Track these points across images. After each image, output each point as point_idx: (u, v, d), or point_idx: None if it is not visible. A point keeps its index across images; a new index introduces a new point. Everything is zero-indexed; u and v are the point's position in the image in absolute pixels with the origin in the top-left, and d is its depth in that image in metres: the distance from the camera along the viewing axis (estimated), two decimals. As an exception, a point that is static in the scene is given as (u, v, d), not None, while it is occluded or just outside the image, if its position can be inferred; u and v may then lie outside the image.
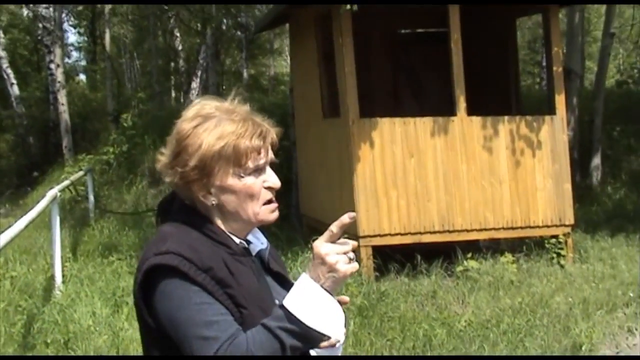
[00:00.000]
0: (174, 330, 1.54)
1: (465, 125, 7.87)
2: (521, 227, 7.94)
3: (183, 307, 1.52)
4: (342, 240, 1.55)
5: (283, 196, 10.88)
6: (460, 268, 7.51)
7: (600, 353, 5.58)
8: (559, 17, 8.77)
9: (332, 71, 8.18)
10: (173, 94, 21.52)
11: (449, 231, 7.76)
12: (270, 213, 1.68)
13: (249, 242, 1.72)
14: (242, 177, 1.63)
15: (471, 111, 7.89)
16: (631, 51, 19.28)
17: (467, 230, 7.83)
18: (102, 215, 11.62)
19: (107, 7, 19.09)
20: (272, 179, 1.68)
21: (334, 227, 1.53)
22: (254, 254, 1.72)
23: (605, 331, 5.93)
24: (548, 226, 7.99)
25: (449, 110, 7.97)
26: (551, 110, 8.15)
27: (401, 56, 10.22)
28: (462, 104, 7.82)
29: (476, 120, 7.92)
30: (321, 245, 1.53)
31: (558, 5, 8.20)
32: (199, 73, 18.35)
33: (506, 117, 8.08)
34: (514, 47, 9.86)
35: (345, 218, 1.53)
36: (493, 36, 9.59)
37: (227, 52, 21.83)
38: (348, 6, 7.03)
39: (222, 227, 1.66)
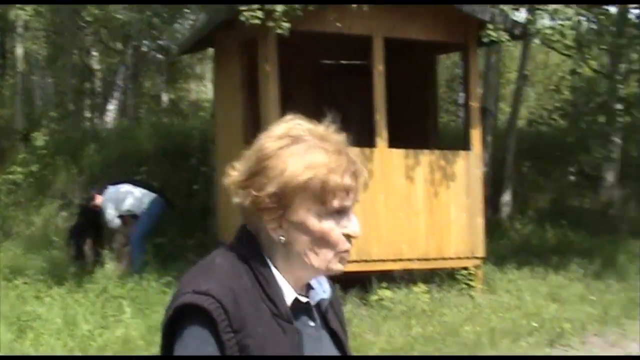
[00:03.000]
0: None
1: (385, 156, 8.17)
2: (434, 259, 8.26)
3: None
4: None
5: (200, 222, 10.91)
6: (374, 297, 7.74)
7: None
8: (477, 55, 9.28)
9: (255, 98, 8.35)
10: (88, 115, 21.11)
11: (365, 261, 7.98)
12: (339, 262, 1.49)
13: (310, 288, 1.56)
14: (322, 217, 1.45)
15: (391, 143, 8.20)
16: (542, 94, 20.44)
17: (383, 261, 8.07)
18: (6, 237, 11.28)
19: (20, 21, 18.66)
20: (354, 226, 1.49)
21: None
22: (313, 303, 1.54)
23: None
24: (460, 258, 8.35)
25: (370, 141, 8.25)
26: (467, 146, 8.58)
27: (324, 87, 10.50)
28: (382, 136, 8.13)
29: (396, 152, 8.24)
30: None
31: (477, 44, 8.67)
32: (116, 95, 18.13)
33: (425, 151, 8.44)
34: (434, 82, 10.32)
35: None
36: (415, 71, 10.00)
37: (147, 74, 21.68)
38: (279, 30, 7.23)
39: (282, 272, 1.48)
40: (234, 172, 1.51)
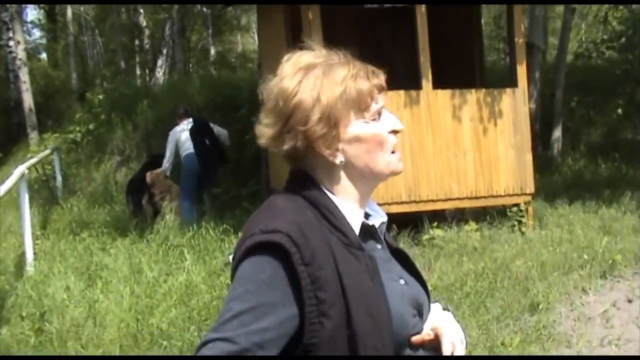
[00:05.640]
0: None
1: (431, 98, 8.19)
2: (484, 197, 8.31)
3: (250, 286, 1.34)
4: None
5: (253, 172, 11.16)
6: (426, 236, 7.87)
7: (556, 311, 6.01)
8: (520, -8, 9.10)
9: (299, 46, 8.39)
10: (138, 72, 21.49)
11: (415, 201, 8.10)
12: (399, 162, 1.54)
13: (368, 216, 1.57)
14: (368, 122, 1.48)
15: (437, 85, 8.20)
16: (591, 25, 19.78)
17: (433, 201, 8.16)
18: (70, 194, 11.76)
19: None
20: (394, 121, 1.53)
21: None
22: (377, 226, 1.56)
23: (561, 291, 6.36)
24: (510, 195, 8.37)
25: (415, 84, 8.26)
26: (513, 83, 8.51)
27: (368, 31, 10.48)
28: (427, 78, 8.13)
29: (441, 93, 8.24)
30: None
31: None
32: (165, 50, 18.40)
33: (470, 90, 8.42)
34: (478, 22, 10.19)
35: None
36: (458, 12, 9.90)
37: (193, 28, 21.86)
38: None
39: (344, 199, 1.49)
40: (265, 129, 1.51)
